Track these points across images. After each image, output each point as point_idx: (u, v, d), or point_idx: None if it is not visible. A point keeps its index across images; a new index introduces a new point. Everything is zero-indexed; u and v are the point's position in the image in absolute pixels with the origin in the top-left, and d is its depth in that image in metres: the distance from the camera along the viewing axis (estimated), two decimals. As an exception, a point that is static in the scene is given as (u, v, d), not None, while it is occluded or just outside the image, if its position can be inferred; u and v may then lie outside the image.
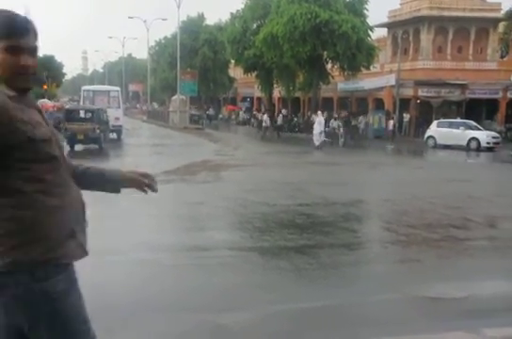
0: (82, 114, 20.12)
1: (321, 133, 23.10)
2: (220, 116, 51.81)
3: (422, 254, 6.38)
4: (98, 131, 19.27)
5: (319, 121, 23.81)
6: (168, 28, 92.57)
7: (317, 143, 22.90)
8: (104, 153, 19.17)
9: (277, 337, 4.04)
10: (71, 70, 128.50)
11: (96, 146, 19.69)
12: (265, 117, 31.24)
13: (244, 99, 52.61)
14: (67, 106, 24.53)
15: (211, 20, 71.13)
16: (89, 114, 19.89)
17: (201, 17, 51.99)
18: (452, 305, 4.68)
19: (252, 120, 42.21)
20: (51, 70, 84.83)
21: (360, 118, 32.39)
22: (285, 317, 4.35)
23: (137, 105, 78.07)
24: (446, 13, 32.90)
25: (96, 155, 18.36)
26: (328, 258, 6.02)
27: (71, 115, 20.12)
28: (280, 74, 35.47)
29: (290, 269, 5.56)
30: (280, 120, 33.66)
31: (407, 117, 30.67)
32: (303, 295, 4.83)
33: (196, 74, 40.86)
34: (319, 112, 25.49)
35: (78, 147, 19.57)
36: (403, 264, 6.06)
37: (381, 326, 4.28)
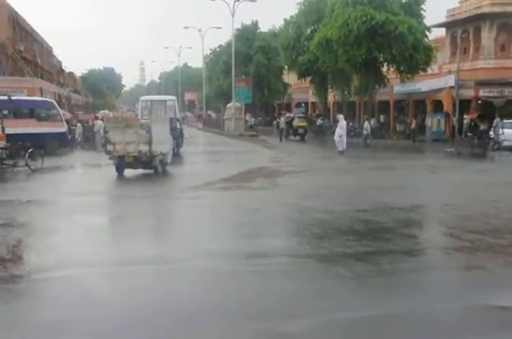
0: None
1: (341, 137, 22.01)
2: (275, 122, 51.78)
3: (488, 261, 6.12)
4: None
5: (341, 124, 22.80)
6: (223, 37, 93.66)
7: (340, 148, 21.83)
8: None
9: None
10: (129, 81, 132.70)
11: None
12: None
13: (298, 104, 52.45)
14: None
15: (265, 26, 71.45)
16: None
17: (255, 24, 52.39)
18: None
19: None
20: (111, 81, 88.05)
21: (366, 123, 29.44)
22: (345, 326, 4.28)
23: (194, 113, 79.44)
24: (510, 9, 31.55)
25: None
26: (389, 265, 5.87)
27: None
28: (335, 79, 35.16)
29: (349, 277, 5.47)
30: (282, 123, 31.95)
31: (467, 118, 29.61)
32: (363, 303, 4.73)
33: (250, 81, 41.16)
34: (341, 115, 24.44)
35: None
36: (468, 271, 5.84)
37: (447, 337, 4.12)
